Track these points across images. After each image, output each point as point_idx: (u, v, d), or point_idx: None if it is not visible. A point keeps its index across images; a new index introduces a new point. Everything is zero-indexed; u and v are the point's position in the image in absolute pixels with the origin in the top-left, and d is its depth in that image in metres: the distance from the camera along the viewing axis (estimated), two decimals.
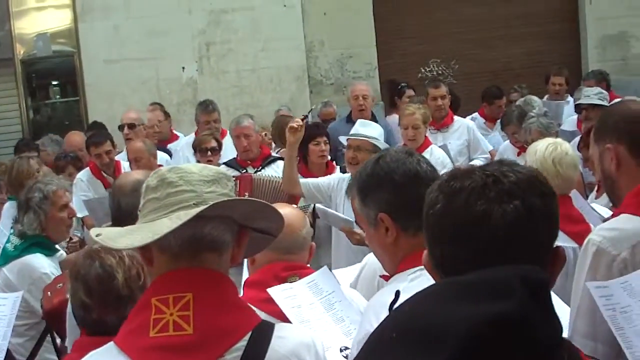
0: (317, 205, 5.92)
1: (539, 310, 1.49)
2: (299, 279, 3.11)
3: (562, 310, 2.63)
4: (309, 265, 3.40)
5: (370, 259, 3.26)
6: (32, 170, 6.52)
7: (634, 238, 2.75)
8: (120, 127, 8.51)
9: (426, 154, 6.78)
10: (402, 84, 10.58)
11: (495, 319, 1.43)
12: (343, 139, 6.24)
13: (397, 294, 2.23)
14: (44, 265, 4.88)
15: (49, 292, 4.31)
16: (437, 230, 1.75)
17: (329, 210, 5.79)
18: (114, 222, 3.86)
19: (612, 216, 3.00)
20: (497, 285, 1.49)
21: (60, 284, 4.21)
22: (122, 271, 2.79)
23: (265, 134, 8.28)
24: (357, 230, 5.39)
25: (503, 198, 1.72)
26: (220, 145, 7.61)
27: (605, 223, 3.06)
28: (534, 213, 1.74)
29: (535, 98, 9.04)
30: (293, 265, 3.21)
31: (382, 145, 5.82)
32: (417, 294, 1.59)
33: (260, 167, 7.11)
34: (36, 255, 4.91)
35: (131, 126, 8.43)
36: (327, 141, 6.84)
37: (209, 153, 7.48)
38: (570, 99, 9.70)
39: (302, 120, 5.94)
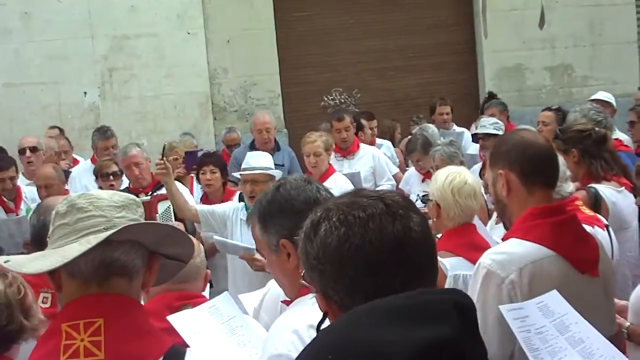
0: (215, 237, 5.95)
1: (470, 333, 1.56)
2: (193, 308, 3.11)
3: None
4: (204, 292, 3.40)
5: (273, 285, 3.27)
6: None
7: (521, 261, 2.88)
8: (21, 151, 8.38)
9: (330, 181, 6.88)
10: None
11: (436, 343, 1.47)
12: (237, 175, 6.31)
13: (325, 314, 2.27)
14: None
15: None
16: (365, 261, 1.74)
17: (228, 240, 5.82)
18: (34, 242, 3.83)
19: (502, 240, 3.14)
20: (434, 310, 1.54)
21: None
22: (2, 283, 2.78)
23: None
24: (258, 256, 5.44)
25: (410, 215, 1.79)
26: (121, 170, 7.58)
27: (494, 247, 3.18)
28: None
29: (430, 125, 9.25)
30: (186, 294, 3.22)
31: (276, 173, 5.92)
32: (350, 314, 1.61)
33: (152, 192, 7.13)
34: None
35: (33, 149, 8.33)
36: (214, 170, 7.06)
37: (111, 177, 7.45)
38: (455, 127, 9.95)
39: (161, 160, 5.99)
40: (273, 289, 3.25)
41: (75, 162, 9.39)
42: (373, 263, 1.72)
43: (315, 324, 1.85)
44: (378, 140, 9.75)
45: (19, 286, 2.79)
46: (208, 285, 3.66)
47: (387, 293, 1.63)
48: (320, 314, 1.87)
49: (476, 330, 1.61)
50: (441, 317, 1.52)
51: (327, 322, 1.82)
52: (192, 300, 3.19)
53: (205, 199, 7.23)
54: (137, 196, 6.79)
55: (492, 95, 11.07)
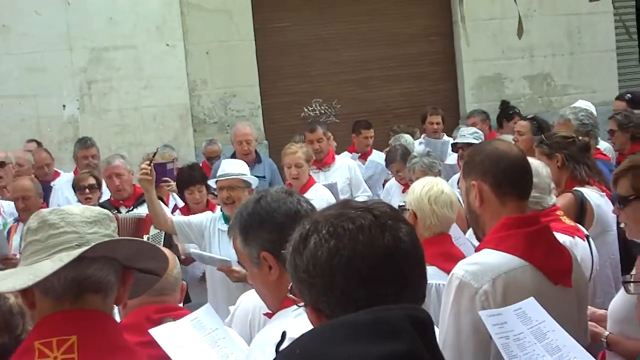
0: (192, 250, 5.96)
1: (427, 348, 1.56)
2: (173, 320, 3.10)
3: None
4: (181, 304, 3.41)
5: (243, 300, 3.32)
6: None
7: (494, 272, 2.87)
8: None
9: (311, 192, 6.87)
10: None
11: (393, 358, 1.48)
12: (212, 182, 6.30)
13: (283, 335, 2.22)
14: None
15: None
16: (356, 272, 1.73)
17: (205, 253, 5.81)
18: None
19: (476, 251, 3.12)
20: (389, 326, 1.54)
21: None
22: (12, 296, 2.76)
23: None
24: (236, 268, 5.43)
25: (399, 226, 1.79)
26: (99, 182, 7.51)
27: (467, 258, 3.17)
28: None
29: (404, 135, 9.26)
30: (166, 307, 3.23)
31: (251, 180, 5.93)
32: (306, 334, 1.62)
33: (133, 207, 7.08)
34: None
35: (1, 164, 8.27)
36: (201, 188, 7.08)
37: (87, 191, 7.36)
38: (446, 137, 9.96)
39: (149, 165, 5.88)
40: (243, 304, 3.29)
41: (56, 174, 9.34)
42: (364, 274, 1.72)
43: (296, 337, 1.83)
44: (375, 151, 9.75)
45: None
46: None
47: (379, 303, 1.64)
48: (302, 327, 1.85)
49: (434, 343, 1.62)
50: (397, 333, 1.53)
51: (286, 343, 1.80)
52: (171, 312, 3.20)
53: (187, 211, 7.19)
54: (119, 210, 6.86)
55: (505, 102, 11.11)
